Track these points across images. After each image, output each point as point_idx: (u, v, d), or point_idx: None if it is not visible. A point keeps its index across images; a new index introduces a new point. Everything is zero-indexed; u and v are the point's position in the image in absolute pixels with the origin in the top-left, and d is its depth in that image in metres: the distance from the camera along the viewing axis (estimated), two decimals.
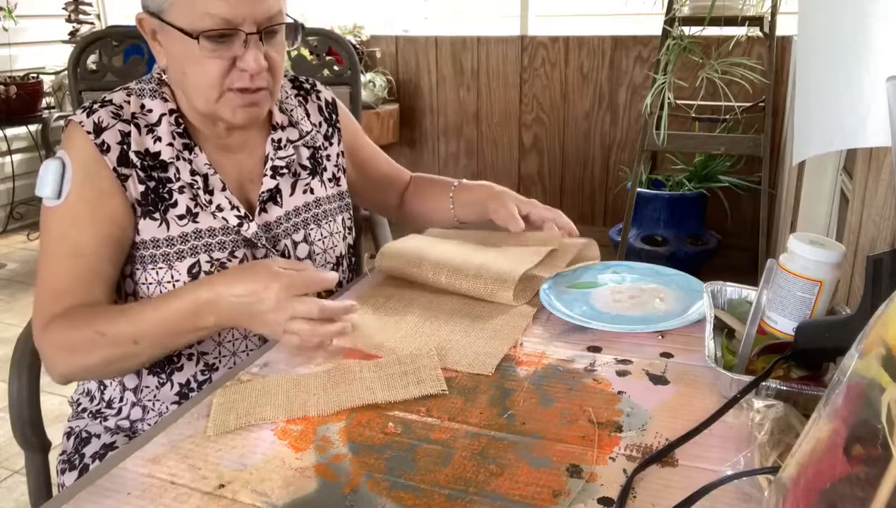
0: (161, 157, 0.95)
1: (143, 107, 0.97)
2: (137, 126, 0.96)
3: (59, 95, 3.78)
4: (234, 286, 0.86)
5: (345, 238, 1.14)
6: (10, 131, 3.70)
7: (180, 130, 0.97)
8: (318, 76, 1.48)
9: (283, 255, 1.04)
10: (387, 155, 1.31)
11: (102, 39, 1.28)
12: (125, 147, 0.94)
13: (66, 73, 3.57)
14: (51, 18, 3.75)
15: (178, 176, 0.96)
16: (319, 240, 1.08)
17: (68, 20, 3.68)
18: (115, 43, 1.29)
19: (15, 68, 3.74)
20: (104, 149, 0.93)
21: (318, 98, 1.16)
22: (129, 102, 0.97)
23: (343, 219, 1.14)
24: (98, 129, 0.93)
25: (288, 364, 0.85)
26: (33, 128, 3.78)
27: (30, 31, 3.79)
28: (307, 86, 1.16)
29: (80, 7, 3.68)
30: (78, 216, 0.92)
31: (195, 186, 0.97)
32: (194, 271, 0.96)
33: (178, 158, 0.96)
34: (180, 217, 0.96)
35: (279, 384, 0.80)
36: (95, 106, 0.95)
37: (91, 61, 1.28)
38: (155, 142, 0.96)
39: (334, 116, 1.16)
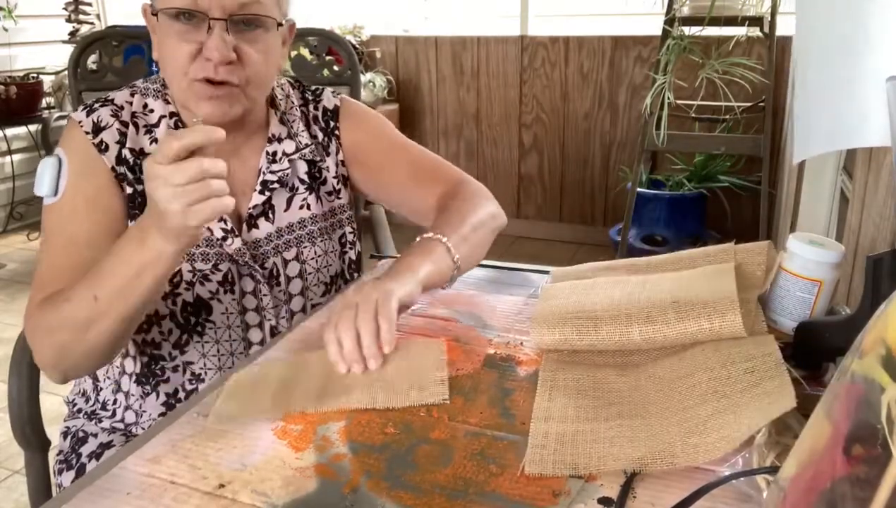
0: None
1: (145, 106, 0.97)
2: (136, 125, 0.95)
3: (59, 95, 3.78)
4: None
5: (343, 254, 1.09)
6: (10, 131, 3.70)
7: None
8: (317, 76, 1.48)
9: (271, 275, 1.00)
10: (427, 164, 1.11)
11: (103, 39, 1.28)
12: (122, 146, 0.93)
13: (66, 73, 3.58)
14: (51, 18, 3.75)
15: None
16: (312, 259, 1.04)
17: (68, 20, 3.68)
18: (116, 43, 1.29)
19: (15, 68, 3.74)
20: (102, 148, 0.92)
21: (317, 107, 1.09)
22: (131, 102, 0.96)
23: (343, 235, 1.09)
24: (97, 129, 0.93)
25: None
26: (33, 128, 3.78)
27: (30, 31, 3.79)
28: (310, 96, 1.10)
29: (80, 7, 3.68)
30: (74, 209, 0.91)
31: None
32: (175, 280, 0.94)
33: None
34: None
35: (285, 372, 0.80)
36: (96, 105, 0.95)
37: (91, 61, 1.28)
38: (151, 143, 0.95)
39: (332, 123, 1.09)
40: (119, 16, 4.01)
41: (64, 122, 3.74)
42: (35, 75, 3.66)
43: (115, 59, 1.29)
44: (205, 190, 0.73)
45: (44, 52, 3.82)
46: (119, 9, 4.05)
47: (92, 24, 3.75)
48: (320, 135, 1.08)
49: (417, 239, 0.94)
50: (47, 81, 3.75)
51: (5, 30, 3.63)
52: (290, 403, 0.74)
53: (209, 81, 0.89)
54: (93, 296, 0.80)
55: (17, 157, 3.85)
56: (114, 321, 0.82)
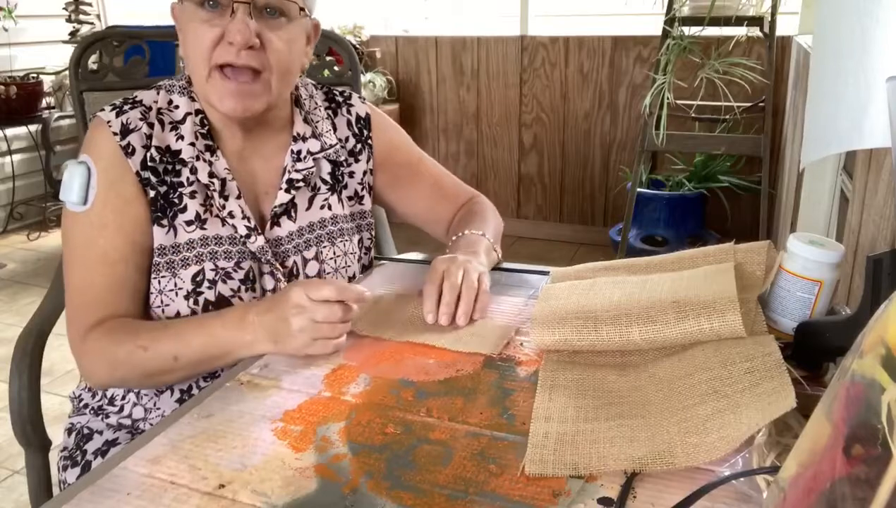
0: (181, 156, 0.95)
1: (170, 102, 0.97)
2: (162, 122, 0.95)
3: (59, 95, 3.78)
4: (263, 303, 0.88)
5: (360, 259, 1.10)
6: (10, 131, 3.70)
7: (204, 131, 0.96)
8: (318, 76, 1.48)
9: (290, 273, 1.01)
10: (447, 179, 1.21)
11: (103, 40, 1.28)
12: (147, 149, 0.94)
13: (66, 73, 3.58)
14: (51, 18, 3.75)
15: (191, 179, 0.95)
16: (331, 258, 1.05)
17: (68, 20, 3.68)
18: (116, 43, 1.28)
19: (15, 68, 3.75)
20: (129, 151, 0.92)
21: (349, 112, 1.11)
22: (157, 102, 0.96)
23: (361, 240, 1.11)
24: (125, 131, 0.93)
25: (288, 364, 0.85)
26: (33, 128, 3.77)
27: (30, 31, 3.79)
28: (339, 99, 1.12)
29: (80, 7, 3.69)
30: (105, 222, 0.92)
31: (211, 188, 0.95)
32: (198, 279, 0.95)
33: (197, 158, 0.95)
34: (188, 222, 0.95)
35: (382, 305, 0.97)
36: (126, 106, 0.95)
37: (92, 61, 1.28)
38: (177, 140, 0.95)
39: (365, 132, 1.12)
40: (119, 16, 4.02)
41: (64, 123, 3.76)
42: (35, 75, 3.66)
43: (115, 59, 1.28)
44: (333, 332, 0.85)
45: (44, 52, 3.82)
46: (119, 9, 4.05)
47: (92, 24, 3.75)
48: (352, 141, 1.10)
49: (460, 233, 1.09)
50: (47, 81, 3.75)
51: (5, 30, 3.63)
52: (377, 329, 0.90)
53: (231, 67, 0.90)
54: (173, 356, 0.88)
55: (17, 157, 3.85)
56: (185, 375, 0.92)
